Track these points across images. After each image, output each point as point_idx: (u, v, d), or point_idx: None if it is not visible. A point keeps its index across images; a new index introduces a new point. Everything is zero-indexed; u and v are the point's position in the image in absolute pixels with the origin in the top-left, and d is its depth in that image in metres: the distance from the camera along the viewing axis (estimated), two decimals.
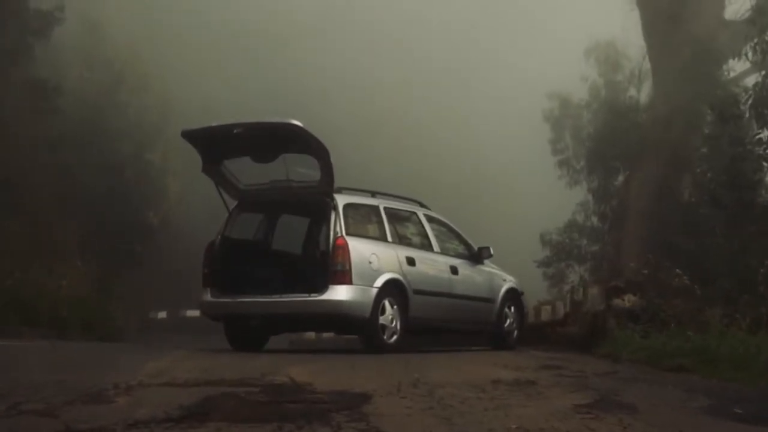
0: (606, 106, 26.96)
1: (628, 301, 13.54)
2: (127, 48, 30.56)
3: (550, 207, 28.78)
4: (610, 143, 25.93)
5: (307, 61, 34.77)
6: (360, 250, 12.10)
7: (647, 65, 25.59)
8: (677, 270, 15.44)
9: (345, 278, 11.80)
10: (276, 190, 12.86)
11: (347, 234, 12.05)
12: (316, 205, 12.49)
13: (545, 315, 19.04)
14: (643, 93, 26.38)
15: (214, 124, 12.49)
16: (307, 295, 11.97)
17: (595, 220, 27.41)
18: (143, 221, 30.57)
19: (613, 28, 26.48)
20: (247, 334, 13.00)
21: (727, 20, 23.57)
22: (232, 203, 13.07)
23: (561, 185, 27.85)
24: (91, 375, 7.83)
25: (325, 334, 19.77)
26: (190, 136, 12.58)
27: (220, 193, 13.00)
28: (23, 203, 22.05)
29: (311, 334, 20.82)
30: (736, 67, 22.37)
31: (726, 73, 22.77)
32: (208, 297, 12.68)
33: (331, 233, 12.03)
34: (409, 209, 13.96)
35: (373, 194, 13.34)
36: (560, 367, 10.00)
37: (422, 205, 14.34)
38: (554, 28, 34.61)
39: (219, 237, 12.82)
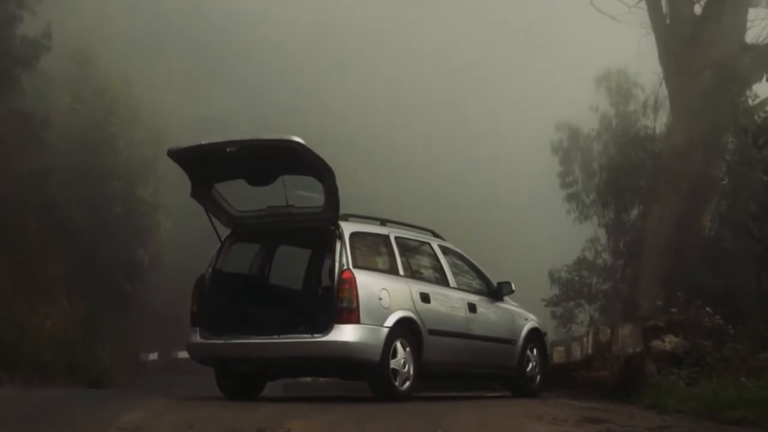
0: (618, 136, 26.56)
1: (669, 342, 12.20)
2: (117, 79, 30.01)
3: (559, 243, 28.26)
4: (624, 174, 25.51)
5: (308, 89, 34.01)
6: (368, 284, 10.98)
7: (663, 92, 25.08)
8: (707, 309, 14.33)
9: (352, 317, 10.68)
10: (274, 217, 11.67)
11: (354, 266, 10.95)
12: (319, 233, 11.44)
13: (558, 357, 18.11)
14: (659, 121, 26.00)
15: (204, 141, 11.17)
16: (309, 335, 10.85)
17: (606, 256, 26.89)
18: (133, 259, 29.95)
19: (624, 55, 26.12)
20: (240, 380, 11.80)
21: (749, 44, 23.11)
22: (225, 232, 11.90)
23: (570, 220, 27.40)
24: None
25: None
26: (178, 155, 11.35)
27: (211, 221, 11.78)
28: (7, 239, 21.24)
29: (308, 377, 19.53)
30: (760, 91, 21.86)
31: (750, 98, 21.83)
32: (196, 338, 11.47)
33: (337, 266, 10.90)
34: (422, 239, 12.76)
35: (383, 222, 12.23)
36: (603, 420, 8.91)
37: (436, 235, 13.11)
38: (564, 56, 33.99)
39: (209, 270, 11.63)
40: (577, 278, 26.46)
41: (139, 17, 31.91)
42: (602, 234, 26.86)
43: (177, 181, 11.78)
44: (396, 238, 12.02)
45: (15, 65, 23.95)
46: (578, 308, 26.27)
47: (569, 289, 26.32)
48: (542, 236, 32.95)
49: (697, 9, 23.61)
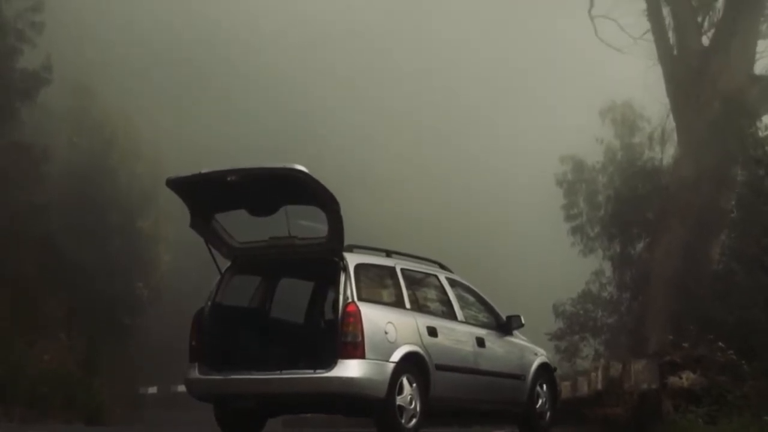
0: (624, 168, 26.49)
1: (686, 379, 11.76)
2: (117, 112, 30.09)
3: (563, 276, 28.20)
4: (630, 206, 25.37)
5: (307, 119, 33.85)
6: (374, 318, 10.57)
7: (670, 124, 25.16)
8: (720, 344, 13.95)
9: (357, 351, 10.29)
10: (276, 249, 11.27)
11: (359, 299, 10.53)
12: (322, 265, 11.01)
13: (564, 392, 17.66)
14: (666, 153, 26.06)
15: (204, 170, 10.83)
16: (311, 371, 10.45)
17: (611, 289, 26.72)
18: (133, 292, 29.88)
19: (630, 86, 25.98)
20: (240, 417, 11.41)
21: (757, 75, 23.23)
22: (225, 263, 11.52)
23: (574, 253, 27.17)
24: None
25: None
26: (177, 185, 11.00)
27: (211, 252, 11.40)
28: (5, 272, 21.38)
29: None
30: None
31: (759, 130, 21.61)
32: (195, 374, 11.06)
33: (341, 298, 10.51)
34: (429, 271, 12.38)
35: (389, 254, 11.82)
36: None
37: (443, 267, 12.75)
38: (568, 87, 33.89)
39: (209, 303, 11.24)
40: (581, 312, 26.29)
41: (139, 47, 31.85)
42: (607, 267, 26.67)
43: (177, 212, 11.43)
44: (402, 270, 11.66)
45: (15, 98, 24.38)
46: (583, 342, 26.12)
47: (574, 323, 26.16)
48: (546, 269, 32.70)
49: (705, 40, 23.56)
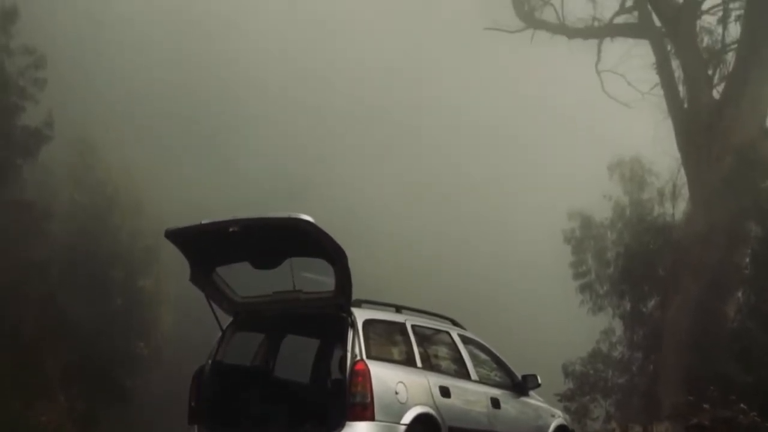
0: (634, 224, 26.14)
1: None
2: (120, 168, 29.80)
3: (572, 335, 27.57)
4: (641, 263, 24.99)
5: (308, 173, 33.75)
6: (384, 377, 10.30)
7: (681, 178, 25.03)
8: (742, 405, 13.55)
9: (366, 413, 9.97)
10: (280, 303, 11.06)
11: (368, 357, 10.28)
12: (329, 321, 10.76)
13: None
14: (677, 209, 25.65)
15: (205, 221, 10.55)
16: None
17: (622, 349, 26.32)
18: (133, 352, 29.21)
19: (638, 140, 26.04)
20: None
21: None
22: (227, 320, 11.27)
23: (583, 311, 26.81)
24: None
25: None
26: (176, 236, 10.74)
27: (212, 308, 11.15)
28: (5, 330, 21.63)
29: None
30: None
31: None
32: None
33: (348, 356, 10.22)
34: (440, 328, 12.08)
35: (399, 309, 11.54)
36: None
37: (455, 324, 12.48)
38: (575, 142, 33.86)
39: (209, 362, 10.99)
40: (592, 371, 25.95)
41: (141, 102, 31.89)
42: (618, 325, 26.31)
43: (179, 268, 11.18)
44: (413, 326, 11.38)
45: (17, 155, 24.61)
46: (593, 403, 25.68)
47: (584, 383, 25.79)
48: (555, 327, 32.36)
49: (716, 93, 23.59)
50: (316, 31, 36.56)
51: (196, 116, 33.88)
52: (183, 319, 29.06)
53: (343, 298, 10.42)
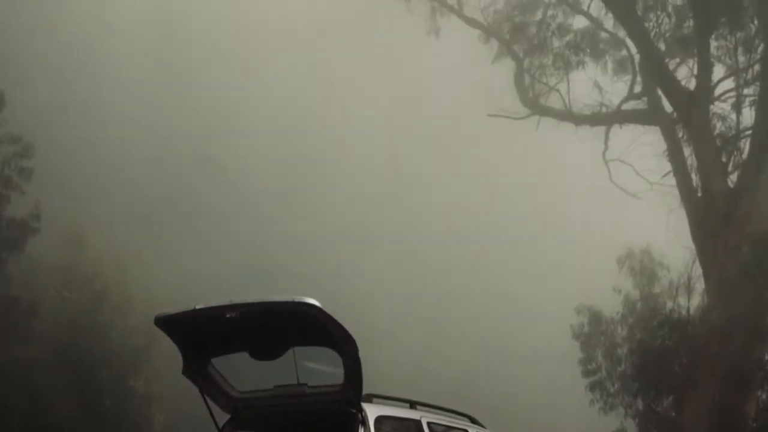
0: (646, 318, 25.72)
1: None
2: (109, 261, 29.60)
3: None
4: (655, 360, 24.44)
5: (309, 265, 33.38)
6: None
7: (696, 270, 24.60)
8: None
9: None
10: (282, 399, 10.45)
11: None
12: (337, 418, 10.09)
13: None
14: (692, 302, 25.21)
15: (199, 306, 9.75)
16: None
17: None
18: None
19: (646, 232, 25.85)
20: None
21: None
22: (223, 417, 10.54)
23: (594, 410, 26.18)
24: None
25: None
26: (167, 324, 10.01)
27: (207, 404, 10.47)
28: None
29: None
30: None
31: None
32: None
33: None
34: (458, 425, 11.45)
35: (413, 405, 10.92)
36: None
37: (474, 421, 11.83)
38: (583, 235, 33.59)
39: None
40: None
41: (129, 190, 31.73)
42: (630, 425, 25.60)
43: (172, 364, 10.40)
44: (429, 423, 10.74)
45: (2, 248, 24.59)
46: None
47: None
48: (565, 426, 31.53)
49: (730, 182, 23.71)
50: (310, 125, 36.75)
51: (188, 200, 33.75)
52: (177, 417, 28.46)
53: (352, 392, 9.82)
